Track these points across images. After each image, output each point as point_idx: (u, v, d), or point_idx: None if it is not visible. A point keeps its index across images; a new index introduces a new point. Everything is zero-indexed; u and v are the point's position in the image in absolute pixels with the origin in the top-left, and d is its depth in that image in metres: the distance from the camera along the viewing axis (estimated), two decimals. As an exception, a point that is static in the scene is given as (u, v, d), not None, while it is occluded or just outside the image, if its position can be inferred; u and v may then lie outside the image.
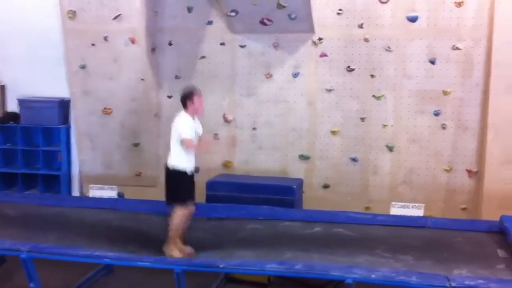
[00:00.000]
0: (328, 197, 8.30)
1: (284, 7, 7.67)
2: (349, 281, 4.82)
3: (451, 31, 7.71)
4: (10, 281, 6.26)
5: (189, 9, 8.46)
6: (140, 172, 8.86)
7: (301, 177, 8.25)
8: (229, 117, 8.57)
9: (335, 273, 4.95)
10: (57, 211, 7.07)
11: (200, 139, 6.29)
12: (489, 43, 7.55)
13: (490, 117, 7.56)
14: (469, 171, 7.86)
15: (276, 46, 8.28)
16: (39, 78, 9.06)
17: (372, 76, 8.03)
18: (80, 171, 9.15)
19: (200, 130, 6.34)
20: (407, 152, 8.04)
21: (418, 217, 6.64)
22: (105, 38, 8.48)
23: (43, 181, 9.18)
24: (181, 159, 6.21)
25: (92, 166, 8.99)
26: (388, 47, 7.92)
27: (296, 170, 8.41)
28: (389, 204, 6.87)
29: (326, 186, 8.35)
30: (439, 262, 5.32)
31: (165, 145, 8.73)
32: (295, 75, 8.29)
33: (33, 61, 9.09)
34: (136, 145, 8.80)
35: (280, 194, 7.42)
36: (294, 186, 7.58)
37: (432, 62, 7.81)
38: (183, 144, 6.13)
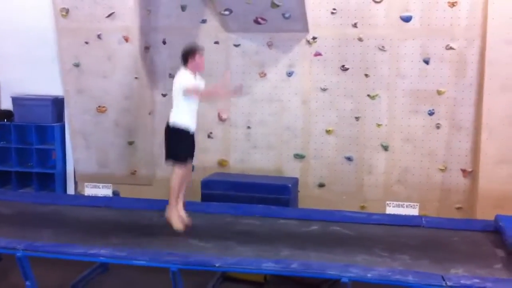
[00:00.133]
0: (323, 196, 8.32)
1: (278, 6, 7.67)
2: (345, 280, 4.83)
3: (444, 31, 7.74)
4: (5, 279, 6.26)
5: (183, 8, 8.45)
6: (135, 171, 8.85)
7: (296, 176, 8.26)
8: (224, 116, 8.57)
9: (331, 272, 4.96)
10: (52, 209, 7.04)
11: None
12: (483, 43, 7.58)
13: (484, 117, 7.60)
14: (463, 171, 7.90)
15: (270, 45, 8.28)
16: (33, 76, 9.04)
17: (366, 75, 8.05)
18: (74, 170, 9.13)
19: (202, 86, 6.29)
20: (401, 151, 8.07)
21: (414, 217, 6.67)
22: (99, 36, 8.46)
23: (37, 179, 9.18)
24: (182, 117, 6.17)
25: (87, 164, 8.97)
26: (382, 46, 7.94)
27: (291, 169, 8.42)
28: (384, 203, 6.90)
29: (321, 185, 8.37)
30: (436, 261, 5.34)
31: (159, 143, 8.80)
32: (289, 74, 8.30)
33: (27, 59, 9.07)
34: (130, 143, 8.78)
35: (275, 193, 7.43)
36: (290, 185, 7.59)
37: (426, 61, 7.84)
38: (187, 94, 6.06)
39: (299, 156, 8.41)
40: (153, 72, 8.74)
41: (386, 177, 8.15)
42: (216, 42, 8.43)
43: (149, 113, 8.76)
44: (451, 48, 7.75)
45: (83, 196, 7.81)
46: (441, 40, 7.77)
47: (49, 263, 5.84)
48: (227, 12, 7.92)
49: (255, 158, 8.57)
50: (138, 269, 5.82)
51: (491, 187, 7.56)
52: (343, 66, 8.10)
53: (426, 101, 7.93)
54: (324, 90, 8.22)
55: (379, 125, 8.10)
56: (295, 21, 7.95)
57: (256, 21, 7.98)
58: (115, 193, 8.38)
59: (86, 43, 8.54)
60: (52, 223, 6.56)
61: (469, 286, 4.64)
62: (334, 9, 8.00)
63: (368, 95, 8.09)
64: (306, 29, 8.11)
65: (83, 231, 6.25)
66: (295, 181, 7.97)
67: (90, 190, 7.69)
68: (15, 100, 9.13)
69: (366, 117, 8.14)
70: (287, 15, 7.82)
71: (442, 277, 4.76)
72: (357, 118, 8.16)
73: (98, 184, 7.76)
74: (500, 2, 7.41)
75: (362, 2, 7.92)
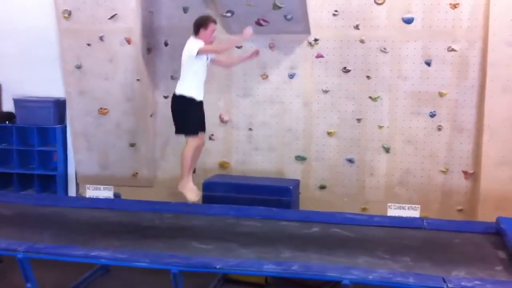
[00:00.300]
0: (324, 198, 8.31)
1: (280, 8, 7.68)
2: (346, 282, 4.81)
3: (446, 33, 7.74)
4: (6, 281, 6.26)
5: (185, 10, 8.46)
6: (137, 173, 8.86)
7: (298, 178, 8.25)
8: (225, 118, 8.57)
9: (332, 274, 4.94)
10: (53, 211, 7.03)
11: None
12: (485, 45, 7.58)
13: (486, 118, 7.59)
14: (465, 173, 7.89)
15: (272, 47, 8.29)
16: (34, 78, 9.05)
17: (368, 77, 8.05)
18: (76, 171, 9.14)
19: (213, 56, 6.26)
20: (402, 153, 8.07)
21: (415, 218, 6.64)
22: (101, 38, 8.47)
23: (39, 181, 9.17)
24: (190, 87, 6.15)
25: (88, 166, 8.98)
26: (384, 48, 7.93)
27: (293, 171, 8.41)
28: (385, 205, 6.87)
29: (322, 187, 8.36)
30: (437, 263, 5.32)
31: (161, 145, 8.82)
32: (291, 76, 8.30)
33: (29, 61, 9.08)
34: (132, 145, 8.79)
35: (276, 195, 7.41)
36: (291, 187, 7.57)
37: (428, 63, 7.84)
38: (203, 53, 6.03)
39: (300, 158, 8.41)
40: (155, 74, 8.75)
41: (388, 179, 8.15)
42: (218, 44, 8.44)
43: (151, 115, 8.76)
44: (453, 50, 7.74)
45: (84, 198, 7.79)
46: (443, 42, 7.76)
47: (50, 265, 5.82)
48: (229, 14, 7.93)
49: (257, 160, 8.57)
50: (139, 271, 5.80)
51: (493, 189, 7.55)
52: (344, 68, 8.10)
53: (428, 103, 7.92)
54: (325, 92, 8.21)
55: (380, 127, 8.09)
56: (297, 22, 7.95)
57: (258, 23, 7.97)
58: (116, 195, 8.36)
59: (88, 45, 8.55)
60: (53, 225, 6.55)
61: (470, 288, 4.64)
62: (336, 11, 8.00)
63: (370, 97, 8.09)
64: (308, 31, 8.11)
65: (84, 233, 6.24)
66: (296, 183, 7.96)
67: (91, 192, 7.66)
68: (17, 102, 9.13)
69: (368, 119, 8.14)
70: (289, 17, 7.82)
71: (443, 279, 4.73)
72: (358, 120, 8.16)
73: (99, 186, 7.73)
74: (502, 4, 7.41)
75: (364, 4, 7.91)
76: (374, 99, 8.07)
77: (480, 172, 7.69)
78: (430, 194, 8.01)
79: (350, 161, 8.25)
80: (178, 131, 6.41)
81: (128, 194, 8.40)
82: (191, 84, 6.22)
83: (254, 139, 8.54)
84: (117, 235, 6.18)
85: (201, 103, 6.45)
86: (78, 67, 8.65)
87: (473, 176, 7.86)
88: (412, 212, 6.80)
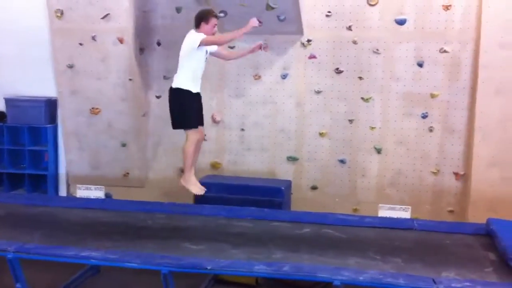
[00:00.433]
0: (316, 198, 8.32)
1: (273, 8, 7.68)
2: (336, 283, 4.81)
3: (438, 34, 7.76)
4: (-4, 281, 6.24)
5: (178, 10, 8.44)
6: (128, 173, 8.84)
7: (290, 178, 8.25)
8: (218, 118, 8.56)
9: (323, 275, 4.94)
10: (44, 211, 7.01)
11: None
12: (477, 46, 7.60)
13: (477, 120, 7.61)
14: (456, 174, 7.91)
15: (265, 47, 8.27)
16: (26, 77, 9.01)
17: (360, 78, 8.06)
18: (67, 171, 9.12)
19: (213, 49, 6.24)
20: (394, 154, 8.08)
21: (406, 219, 6.65)
22: (93, 38, 8.45)
23: (30, 181, 9.13)
24: (186, 80, 6.14)
25: (80, 166, 8.96)
26: (376, 49, 7.95)
27: (285, 172, 8.42)
28: (376, 206, 6.88)
29: (314, 188, 8.37)
30: (427, 264, 5.33)
31: (153, 146, 8.80)
32: (284, 76, 8.31)
33: (21, 60, 9.02)
34: (124, 145, 8.77)
35: (268, 196, 7.41)
36: (283, 188, 7.56)
37: (420, 65, 7.85)
38: (204, 44, 6.03)
39: (292, 159, 8.41)
40: (148, 74, 8.73)
41: (379, 180, 8.16)
42: (211, 44, 8.43)
43: (143, 115, 8.75)
44: (445, 51, 7.76)
45: (75, 198, 7.77)
46: (435, 43, 7.78)
47: (40, 265, 5.80)
48: (222, 14, 7.91)
49: (249, 160, 8.56)
50: (130, 271, 5.77)
51: (483, 190, 7.58)
52: (337, 68, 8.11)
53: (420, 104, 7.94)
54: (318, 92, 8.22)
55: (372, 128, 8.11)
56: (290, 23, 7.95)
57: (251, 23, 7.97)
58: (107, 195, 8.34)
59: (81, 44, 8.53)
60: (44, 225, 6.52)
61: (460, 290, 4.65)
62: (329, 11, 8.01)
63: (362, 98, 8.10)
64: (300, 32, 8.11)
65: (75, 233, 6.21)
66: (288, 183, 7.96)
67: (82, 192, 7.64)
68: (8, 101, 9.09)
69: (360, 120, 8.15)
70: (282, 18, 7.83)
71: (433, 280, 4.75)
72: (350, 121, 8.17)
73: (90, 186, 7.71)
74: (494, 6, 7.43)
75: (357, 5, 7.92)
76: (366, 100, 8.08)
77: (470, 173, 7.71)
78: (421, 195, 8.03)
79: (342, 162, 8.26)
80: (177, 125, 6.39)
81: (119, 194, 8.40)
82: (187, 76, 6.23)
83: (246, 139, 8.54)
84: (108, 235, 6.16)
85: (198, 95, 6.45)
86: (70, 66, 8.63)
87: (464, 177, 7.88)
88: (403, 213, 6.81)
